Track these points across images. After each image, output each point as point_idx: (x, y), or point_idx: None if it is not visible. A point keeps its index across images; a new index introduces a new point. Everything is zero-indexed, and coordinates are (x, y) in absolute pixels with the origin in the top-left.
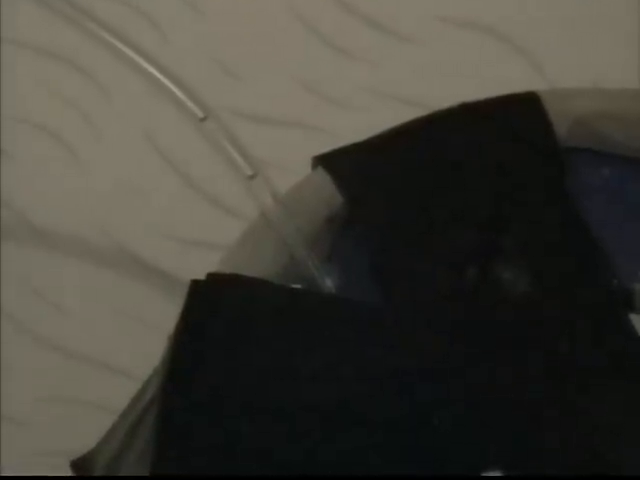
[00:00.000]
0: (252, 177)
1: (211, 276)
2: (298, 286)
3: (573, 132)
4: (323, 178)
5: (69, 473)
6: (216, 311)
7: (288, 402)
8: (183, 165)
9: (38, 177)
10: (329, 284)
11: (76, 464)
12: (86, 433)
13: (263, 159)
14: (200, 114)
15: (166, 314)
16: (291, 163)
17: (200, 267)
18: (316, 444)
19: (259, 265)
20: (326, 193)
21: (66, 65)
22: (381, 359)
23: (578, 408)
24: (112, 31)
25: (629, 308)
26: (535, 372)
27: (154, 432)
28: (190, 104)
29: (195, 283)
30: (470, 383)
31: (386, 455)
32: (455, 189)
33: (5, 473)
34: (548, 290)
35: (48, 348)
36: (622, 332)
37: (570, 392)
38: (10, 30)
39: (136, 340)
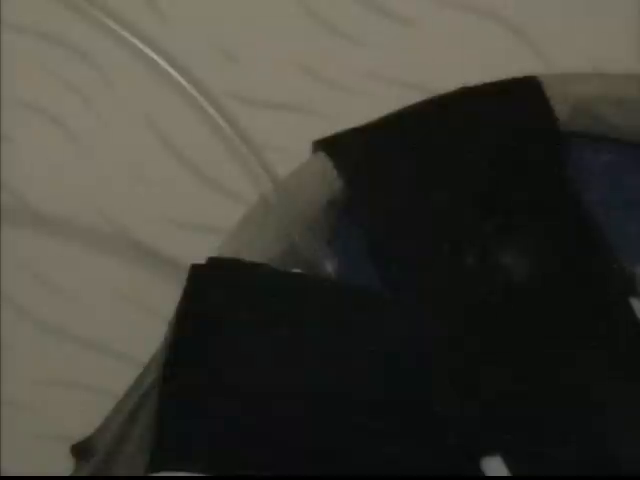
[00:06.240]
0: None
1: (211, 260)
2: (298, 270)
3: (574, 117)
4: (324, 162)
5: (69, 457)
6: (216, 296)
7: (289, 386)
8: (184, 150)
9: (38, 161)
10: (329, 268)
11: (76, 448)
12: (86, 417)
13: (263, 143)
14: (201, 99)
15: (166, 298)
16: (291, 147)
17: (200, 251)
18: (316, 428)
19: (259, 249)
20: (327, 177)
21: (66, 50)
22: (381, 344)
23: (578, 394)
24: (113, 15)
25: (630, 293)
26: (535, 357)
27: (154, 417)
28: (190, 89)
29: (195, 267)
30: (469, 368)
31: (385, 440)
32: (455, 173)
33: (5, 458)
34: (548, 275)
35: (48, 332)
36: (623, 317)
37: (569, 377)
38: (10, 14)
39: (136, 324)
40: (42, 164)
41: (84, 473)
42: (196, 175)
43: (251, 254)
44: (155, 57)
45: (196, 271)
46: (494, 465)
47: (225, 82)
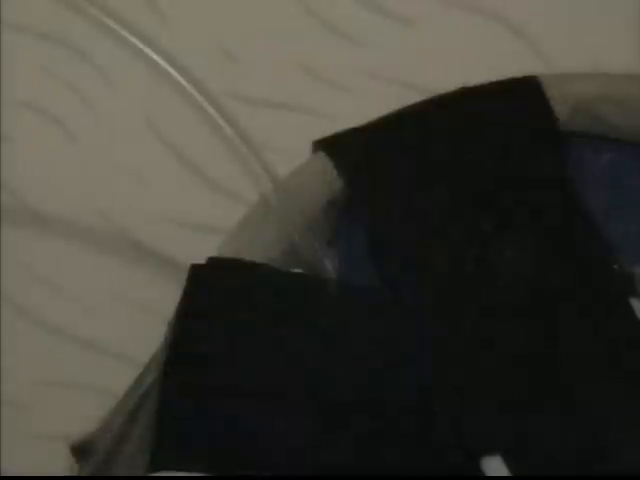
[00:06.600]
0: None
1: (211, 260)
2: (298, 270)
3: (574, 117)
4: (324, 162)
5: (69, 457)
6: (216, 296)
7: (289, 387)
8: (184, 150)
9: (38, 161)
10: (330, 268)
11: (76, 448)
12: (86, 417)
13: (263, 143)
14: (201, 99)
15: (166, 298)
16: (291, 147)
17: (200, 251)
18: (316, 428)
19: (259, 249)
20: (327, 177)
21: (66, 50)
22: (382, 343)
23: (577, 393)
24: (113, 15)
25: (630, 293)
26: (534, 357)
27: (154, 417)
28: (190, 89)
29: (195, 267)
30: (470, 368)
31: (385, 440)
32: (455, 173)
33: (5, 458)
34: (548, 275)
35: (48, 332)
36: (623, 317)
37: (569, 377)
38: (10, 14)
39: (136, 324)
40: (42, 164)
41: (84, 473)
42: (196, 175)
43: (251, 254)
44: (155, 57)
45: (196, 271)
46: (494, 465)
47: (225, 82)
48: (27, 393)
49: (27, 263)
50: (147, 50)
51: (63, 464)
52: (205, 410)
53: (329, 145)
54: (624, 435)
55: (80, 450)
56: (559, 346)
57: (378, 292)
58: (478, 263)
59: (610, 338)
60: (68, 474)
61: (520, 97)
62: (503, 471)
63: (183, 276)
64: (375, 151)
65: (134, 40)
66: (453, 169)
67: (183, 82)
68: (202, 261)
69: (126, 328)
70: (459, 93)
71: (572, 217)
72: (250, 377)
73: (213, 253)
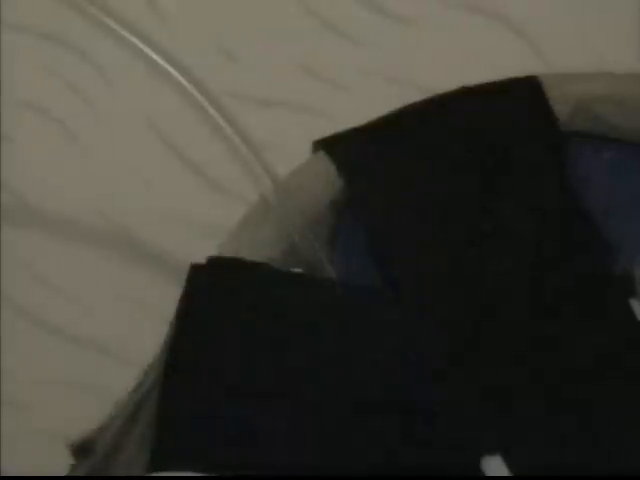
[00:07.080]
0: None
1: (212, 260)
2: (299, 270)
3: (574, 117)
4: (324, 162)
5: (69, 457)
6: (217, 296)
7: (289, 387)
8: (184, 150)
9: (38, 161)
10: (329, 268)
11: (76, 448)
12: (86, 417)
13: (263, 142)
14: (201, 99)
15: (166, 298)
16: (291, 147)
17: (200, 251)
18: (316, 428)
19: (260, 249)
20: (327, 177)
21: (67, 49)
22: (381, 344)
23: (577, 394)
24: (113, 15)
25: (630, 294)
26: (534, 358)
27: (154, 417)
28: (190, 89)
29: (195, 267)
30: (470, 369)
31: (385, 440)
32: (455, 173)
33: (5, 458)
34: (548, 275)
35: (48, 332)
36: (623, 318)
37: (569, 378)
38: (10, 14)
39: (136, 324)
40: (42, 164)
41: (84, 472)
42: (196, 175)
43: (251, 254)
44: (155, 57)
45: (196, 271)
46: (494, 465)
47: (225, 82)
48: (27, 393)
49: (27, 263)
50: (147, 50)
51: (63, 463)
52: (205, 410)
53: (329, 145)
54: (624, 435)
55: (80, 450)
56: (559, 346)
57: (378, 292)
58: (478, 263)
59: (610, 338)
60: (68, 473)
61: (520, 97)
62: (503, 471)
63: (183, 276)
64: (375, 151)
65: (134, 40)
66: (453, 169)
67: (183, 82)
68: (202, 261)
69: (126, 328)
70: (459, 93)
71: (572, 217)
72: (250, 377)
73: (213, 253)
